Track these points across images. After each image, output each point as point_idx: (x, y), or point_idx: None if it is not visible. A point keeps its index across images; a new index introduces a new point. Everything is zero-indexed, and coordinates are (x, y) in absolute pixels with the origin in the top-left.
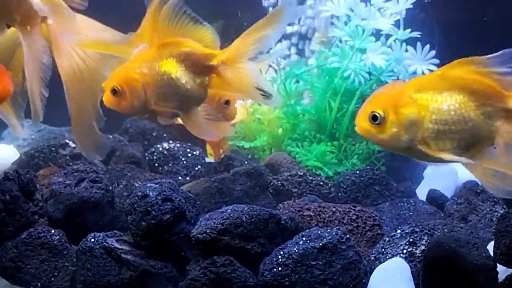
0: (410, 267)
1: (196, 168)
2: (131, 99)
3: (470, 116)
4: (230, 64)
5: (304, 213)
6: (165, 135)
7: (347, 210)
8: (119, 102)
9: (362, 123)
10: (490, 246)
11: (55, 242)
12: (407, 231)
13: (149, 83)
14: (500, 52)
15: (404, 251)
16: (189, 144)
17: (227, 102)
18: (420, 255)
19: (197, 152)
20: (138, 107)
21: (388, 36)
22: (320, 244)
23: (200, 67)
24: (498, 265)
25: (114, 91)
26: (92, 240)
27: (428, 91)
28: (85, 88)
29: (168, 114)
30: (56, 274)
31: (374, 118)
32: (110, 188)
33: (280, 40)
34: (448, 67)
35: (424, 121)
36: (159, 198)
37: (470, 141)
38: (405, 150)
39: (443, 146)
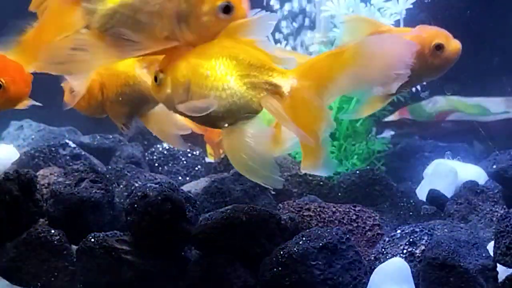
0: (410, 267)
1: (196, 168)
2: (88, 99)
3: (229, 85)
4: None
5: (304, 213)
6: None
7: (347, 210)
8: (79, 103)
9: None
10: (490, 246)
11: (55, 242)
12: (407, 231)
13: (106, 83)
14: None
15: (404, 251)
16: (189, 144)
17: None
18: (420, 255)
19: (197, 152)
20: (95, 107)
21: None
22: (320, 244)
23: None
24: (498, 265)
25: (73, 90)
26: (92, 240)
27: (202, 58)
28: None
29: (124, 116)
30: (56, 274)
31: (155, 77)
32: (110, 188)
33: (280, 42)
34: (224, 34)
35: (191, 86)
36: (159, 198)
37: (232, 109)
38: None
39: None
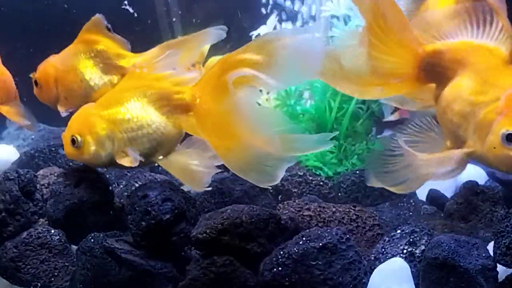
0: (410, 267)
1: None
2: (45, 92)
3: (152, 119)
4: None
5: (304, 213)
6: None
7: (347, 210)
8: (39, 93)
9: (67, 149)
10: (490, 246)
11: (55, 242)
12: (407, 231)
13: (59, 78)
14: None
15: (404, 251)
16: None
17: None
18: (420, 255)
19: None
20: (52, 100)
21: None
22: (320, 244)
23: (110, 66)
24: (498, 265)
25: (36, 83)
26: (92, 240)
27: (114, 106)
28: None
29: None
30: (56, 274)
31: (73, 142)
32: (110, 188)
33: None
34: (125, 79)
35: (115, 134)
36: (159, 198)
37: (163, 140)
38: (109, 164)
39: (143, 151)
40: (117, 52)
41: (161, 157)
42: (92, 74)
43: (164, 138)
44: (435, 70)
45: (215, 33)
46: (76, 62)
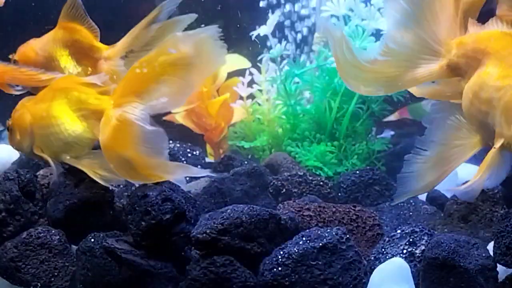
0: (410, 267)
1: None
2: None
3: (62, 120)
4: (111, 61)
5: (304, 213)
6: None
7: (347, 210)
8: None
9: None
10: (490, 246)
11: (55, 242)
12: (407, 231)
13: (37, 64)
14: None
15: (404, 251)
16: (189, 144)
17: None
18: (420, 255)
19: (197, 152)
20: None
21: None
22: (320, 244)
23: (83, 56)
24: (498, 265)
25: (15, 63)
26: (92, 240)
27: (40, 102)
28: None
29: None
30: (56, 274)
31: (7, 127)
32: (110, 188)
33: (280, 41)
34: (57, 80)
35: (33, 129)
36: (159, 198)
37: (69, 141)
38: (32, 155)
39: (52, 149)
40: (91, 43)
41: (68, 157)
42: (67, 63)
43: (71, 140)
44: (461, 62)
45: (183, 20)
46: (53, 49)
